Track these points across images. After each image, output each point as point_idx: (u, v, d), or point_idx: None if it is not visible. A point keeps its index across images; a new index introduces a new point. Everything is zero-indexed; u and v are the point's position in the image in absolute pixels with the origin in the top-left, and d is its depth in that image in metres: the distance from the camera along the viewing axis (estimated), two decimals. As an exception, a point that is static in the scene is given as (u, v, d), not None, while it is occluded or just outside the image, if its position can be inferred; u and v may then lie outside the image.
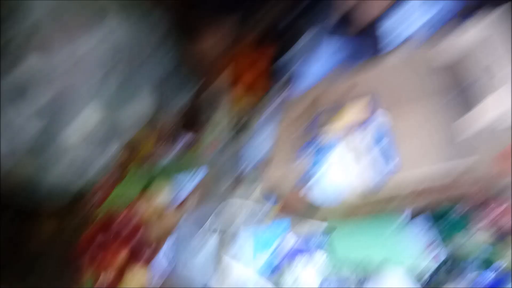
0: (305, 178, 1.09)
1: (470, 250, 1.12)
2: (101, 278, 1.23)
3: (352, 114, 1.16)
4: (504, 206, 1.11)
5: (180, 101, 1.60)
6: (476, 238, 1.15)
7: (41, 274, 1.41)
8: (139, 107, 1.38)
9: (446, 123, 1.10)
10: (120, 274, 1.28)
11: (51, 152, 1.26)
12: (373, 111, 1.14)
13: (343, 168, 1.07)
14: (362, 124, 1.12)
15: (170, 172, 1.49)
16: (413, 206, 1.02)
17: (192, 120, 1.64)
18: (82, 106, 1.28)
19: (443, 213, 1.17)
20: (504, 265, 1.07)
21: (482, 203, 1.18)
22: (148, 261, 1.31)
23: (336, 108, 1.23)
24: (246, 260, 1.05)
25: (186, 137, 1.58)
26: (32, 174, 1.28)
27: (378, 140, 1.07)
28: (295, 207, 1.02)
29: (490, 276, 1.10)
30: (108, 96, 1.30)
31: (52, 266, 1.42)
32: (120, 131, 1.41)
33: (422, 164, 0.95)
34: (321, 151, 1.12)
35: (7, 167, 1.22)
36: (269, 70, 1.68)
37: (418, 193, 0.96)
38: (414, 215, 1.12)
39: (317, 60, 1.36)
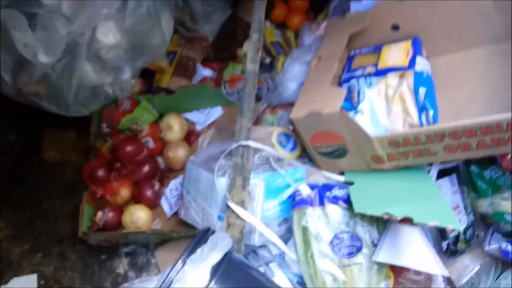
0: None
1: (495, 218, 1.04)
2: (100, 214, 1.20)
3: (390, 57, 1.06)
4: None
5: (208, 28, 1.52)
6: (502, 206, 1.07)
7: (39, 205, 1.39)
8: (159, 35, 1.29)
9: (495, 73, 1.00)
10: (121, 210, 1.25)
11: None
12: (414, 57, 1.03)
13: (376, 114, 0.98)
14: (400, 69, 1.02)
15: (185, 106, 1.42)
16: (448, 160, 0.93)
17: (218, 51, 1.57)
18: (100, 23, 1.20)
19: (472, 177, 1.09)
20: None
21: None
22: (153, 200, 1.27)
23: (374, 49, 1.12)
24: (255, 206, 0.99)
25: (207, 71, 1.49)
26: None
27: (416, 89, 0.97)
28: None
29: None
30: (128, 19, 1.21)
31: (51, 199, 1.40)
32: (138, 56, 1.32)
33: (463, 117, 0.85)
34: (358, 89, 1.03)
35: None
36: (305, 5, 1.57)
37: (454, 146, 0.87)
38: (440, 176, 1.04)
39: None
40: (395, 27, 1.11)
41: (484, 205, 1.06)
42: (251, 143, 1.02)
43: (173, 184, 1.29)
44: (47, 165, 1.45)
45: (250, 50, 1.12)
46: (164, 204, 1.27)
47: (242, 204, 0.98)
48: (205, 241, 0.82)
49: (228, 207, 0.98)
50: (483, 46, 1.07)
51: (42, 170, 1.43)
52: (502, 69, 1.01)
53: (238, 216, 0.97)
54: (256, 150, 1.05)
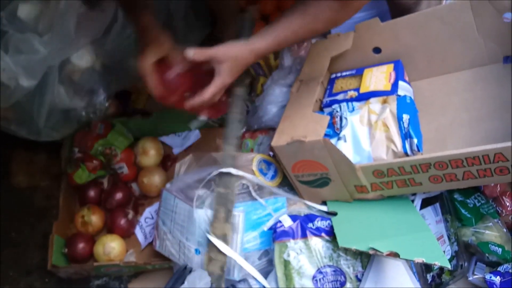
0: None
1: (480, 249, 1.02)
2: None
3: (373, 81, 1.04)
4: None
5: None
6: (486, 236, 1.05)
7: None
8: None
9: (479, 98, 0.99)
10: (93, 240, 1.19)
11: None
12: (396, 81, 1.01)
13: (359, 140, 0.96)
14: (383, 94, 1.00)
15: (162, 129, 1.37)
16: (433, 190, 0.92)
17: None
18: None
19: (456, 205, 1.07)
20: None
21: (502, 194, 1.08)
22: (127, 229, 1.21)
23: (355, 72, 1.10)
24: (235, 239, 0.94)
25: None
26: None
27: (399, 115, 0.94)
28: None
29: (496, 279, 1.00)
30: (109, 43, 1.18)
31: (19, 227, 1.33)
32: (114, 79, 1.28)
33: (447, 144, 0.83)
34: (340, 115, 1.00)
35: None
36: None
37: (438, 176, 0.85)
38: (424, 205, 1.02)
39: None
40: (377, 50, 1.10)
41: (468, 234, 1.04)
42: (233, 171, 0.98)
43: (148, 212, 1.24)
44: (15, 190, 1.38)
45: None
46: (139, 233, 1.21)
47: (224, 237, 0.94)
48: (182, 282, 0.77)
49: (209, 240, 0.94)
50: (465, 70, 1.06)
51: (9, 195, 1.36)
52: (485, 93, 1.01)
53: (219, 251, 0.93)
54: (235, 178, 1.01)
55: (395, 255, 0.80)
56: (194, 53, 0.88)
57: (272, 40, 0.90)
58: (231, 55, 0.89)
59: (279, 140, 0.93)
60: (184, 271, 0.79)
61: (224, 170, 0.99)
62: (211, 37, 1.53)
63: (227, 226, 0.94)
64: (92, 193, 1.27)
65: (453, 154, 0.81)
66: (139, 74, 0.96)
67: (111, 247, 1.15)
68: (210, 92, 0.89)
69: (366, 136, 0.97)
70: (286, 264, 0.92)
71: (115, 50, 1.19)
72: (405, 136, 0.93)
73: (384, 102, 0.99)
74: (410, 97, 1.02)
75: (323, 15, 0.87)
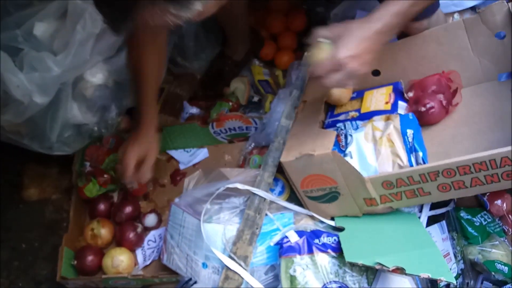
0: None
1: (486, 267, 1.02)
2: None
3: (373, 102, 1.06)
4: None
5: (197, 65, 1.52)
6: (493, 254, 1.05)
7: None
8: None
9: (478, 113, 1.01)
10: (101, 253, 1.21)
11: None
12: (396, 101, 1.03)
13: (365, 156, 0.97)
14: (384, 112, 1.02)
15: (172, 144, 1.39)
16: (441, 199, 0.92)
17: (205, 89, 1.56)
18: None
19: (462, 223, 1.07)
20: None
21: (508, 213, 1.08)
22: (136, 242, 1.23)
23: (356, 95, 1.12)
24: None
25: (194, 109, 1.48)
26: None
27: (403, 131, 0.96)
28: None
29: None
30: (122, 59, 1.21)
31: (29, 239, 1.35)
32: (125, 95, 1.31)
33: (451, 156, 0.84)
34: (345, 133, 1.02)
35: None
36: (293, 44, 1.58)
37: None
38: (430, 223, 1.02)
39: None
40: (376, 72, 1.12)
41: (474, 253, 1.04)
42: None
43: (152, 235, 1.25)
44: (27, 203, 1.40)
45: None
46: (139, 254, 1.23)
47: (245, 259, 0.95)
48: (186, 293, 0.78)
49: (230, 258, 0.95)
50: (463, 88, 1.07)
51: (21, 208, 1.39)
52: (483, 108, 1.02)
53: (236, 272, 0.94)
54: (241, 193, 1.02)
55: (401, 270, 0.81)
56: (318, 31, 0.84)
57: (389, 15, 0.83)
58: (359, 37, 0.82)
59: (288, 156, 0.94)
60: (188, 283, 0.80)
61: (231, 185, 1.00)
62: (221, 56, 1.56)
63: (249, 248, 0.96)
64: (102, 206, 1.29)
65: (460, 161, 0.82)
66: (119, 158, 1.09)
67: (120, 260, 1.16)
68: None
69: (371, 152, 0.98)
70: (292, 279, 0.92)
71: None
72: (410, 150, 0.94)
73: (388, 119, 1.01)
74: (412, 114, 1.04)
75: None
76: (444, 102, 1.02)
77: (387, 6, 0.83)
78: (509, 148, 0.78)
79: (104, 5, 0.68)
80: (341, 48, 0.80)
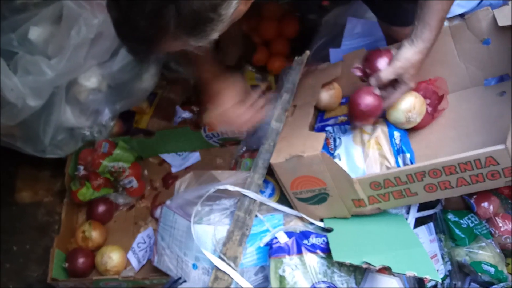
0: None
1: (473, 268, 1.03)
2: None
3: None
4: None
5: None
6: (480, 256, 1.06)
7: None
8: (146, 80, 1.30)
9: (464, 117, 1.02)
10: (93, 255, 1.22)
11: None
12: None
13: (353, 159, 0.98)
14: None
15: (164, 148, 1.40)
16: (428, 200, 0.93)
17: (198, 93, 1.57)
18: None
19: (450, 225, 1.09)
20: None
21: (495, 215, 1.10)
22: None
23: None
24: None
25: (186, 113, 1.49)
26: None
27: (390, 133, 0.98)
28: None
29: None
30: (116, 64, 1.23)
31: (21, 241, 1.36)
32: (119, 100, 1.32)
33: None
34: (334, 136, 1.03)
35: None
36: (286, 50, 1.60)
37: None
38: (418, 225, 1.04)
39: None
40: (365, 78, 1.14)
41: (462, 254, 1.05)
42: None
43: (141, 237, 1.26)
44: (19, 205, 1.40)
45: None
46: (131, 258, 1.23)
47: (235, 260, 0.96)
48: (174, 292, 0.79)
49: (220, 259, 0.96)
50: (449, 94, 1.09)
51: (13, 210, 1.39)
52: (470, 113, 1.04)
53: (226, 272, 0.95)
54: (232, 195, 1.03)
55: (388, 269, 0.82)
56: (383, 75, 0.93)
57: (428, 31, 0.90)
58: (412, 62, 0.91)
59: (278, 157, 0.96)
60: (176, 282, 0.81)
61: (221, 187, 1.02)
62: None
63: (239, 249, 0.97)
64: (100, 209, 1.31)
65: (446, 161, 0.84)
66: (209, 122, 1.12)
67: (108, 257, 1.17)
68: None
69: (360, 154, 1.00)
70: (282, 279, 0.93)
71: (120, 72, 1.24)
72: (398, 151, 0.96)
73: (375, 123, 1.03)
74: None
75: None
76: (429, 109, 1.03)
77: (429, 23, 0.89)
78: (493, 148, 0.80)
79: (128, 40, 0.73)
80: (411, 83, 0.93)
